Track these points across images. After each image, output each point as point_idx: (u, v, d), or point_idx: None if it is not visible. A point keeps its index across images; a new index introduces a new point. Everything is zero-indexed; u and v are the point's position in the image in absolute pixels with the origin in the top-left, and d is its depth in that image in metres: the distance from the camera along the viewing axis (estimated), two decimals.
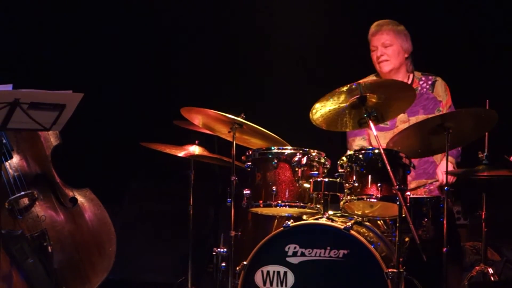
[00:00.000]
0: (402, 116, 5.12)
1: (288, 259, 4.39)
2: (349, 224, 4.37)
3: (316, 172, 4.56)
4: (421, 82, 5.21)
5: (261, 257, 4.43)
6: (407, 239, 4.52)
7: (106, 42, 6.73)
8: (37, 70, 6.52)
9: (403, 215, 4.29)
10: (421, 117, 5.07)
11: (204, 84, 6.71)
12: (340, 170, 4.53)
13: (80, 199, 5.18)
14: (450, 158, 4.59)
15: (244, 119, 4.70)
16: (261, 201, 4.58)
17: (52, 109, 4.26)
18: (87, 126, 6.16)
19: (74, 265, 5.06)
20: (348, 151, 4.64)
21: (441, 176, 4.94)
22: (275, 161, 4.56)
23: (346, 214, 4.61)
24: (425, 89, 5.20)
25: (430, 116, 4.98)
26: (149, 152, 5.44)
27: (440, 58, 6.06)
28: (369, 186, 4.42)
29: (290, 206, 4.55)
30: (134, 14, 6.80)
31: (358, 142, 5.27)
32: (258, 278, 4.43)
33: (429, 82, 5.22)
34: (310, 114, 4.59)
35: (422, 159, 5.08)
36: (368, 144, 5.24)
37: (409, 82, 5.20)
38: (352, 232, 4.33)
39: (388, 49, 5.18)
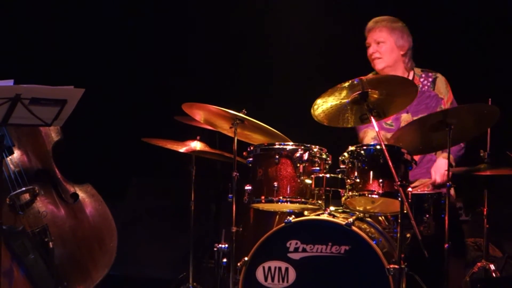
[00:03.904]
0: (406, 117, 5.08)
1: (289, 255, 4.38)
2: (350, 220, 4.36)
3: (318, 168, 4.55)
4: (421, 80, 5.16)
5: (263, 253, 4.42)
6: (408, 235, 4.50)
7: (108, 37, 6.72)
8: (39, 66, 6.51)
9: (405, 211, 4.28)
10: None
11: (205, 79, 6.70)
12: (341, 166, 4.52)
13: (81, 194, 5.18)
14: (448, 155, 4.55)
15: (246, 115, 4.69)
16: (262, 197, 4.57)
17: (53, 104, 4.26)
18: (88, 121, 6.15)
19: (75, 261, 5.06)
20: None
21: (434, 175, 4.91)
22: (277, 157, 4.55)
23: (348, 210, 4.61)
24: (426, 87, 5.14)
25: None
26: (150, 148, 5.43)
27: (442, 55, 6.05)
28: (371, 182, 4.41)
29: (291, 202, 4.55)
30: (136, 10, 6.79)
31: (371, 134, 5.21)
32: (259, 274, 4.43)
33: (430, 80, 5.16)
34: (312, 110, 4.58)
35: (425, 158, 5.06)
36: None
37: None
38: (354, 228, 4.33)
39: (381, 46, 5.13)
